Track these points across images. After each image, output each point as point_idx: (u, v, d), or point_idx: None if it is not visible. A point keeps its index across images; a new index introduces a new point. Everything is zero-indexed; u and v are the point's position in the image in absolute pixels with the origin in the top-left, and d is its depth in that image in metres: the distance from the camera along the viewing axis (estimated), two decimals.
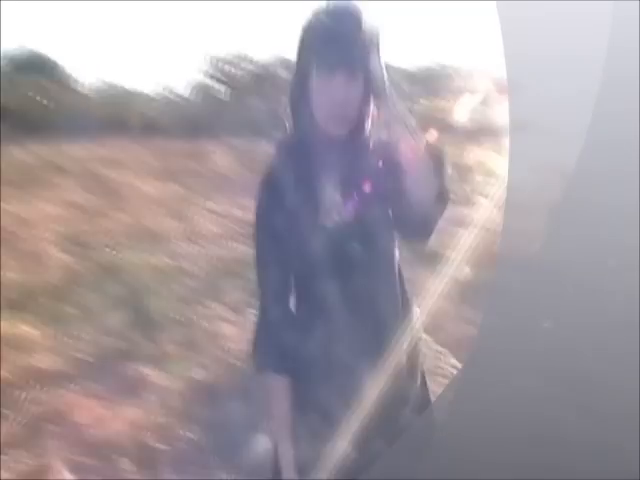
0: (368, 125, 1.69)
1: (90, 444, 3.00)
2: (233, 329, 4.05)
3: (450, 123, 1.63)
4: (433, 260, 1.59)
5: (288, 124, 1.72)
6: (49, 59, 12.42)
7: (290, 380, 1.68)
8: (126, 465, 2.81)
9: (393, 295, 1.71)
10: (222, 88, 7.95)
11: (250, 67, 7.81)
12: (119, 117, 8.19)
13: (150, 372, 3.59)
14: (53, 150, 9.29)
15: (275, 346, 1.69)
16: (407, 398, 1.71)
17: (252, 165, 7.21)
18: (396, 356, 1.64)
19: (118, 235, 5.57)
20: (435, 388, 1.69)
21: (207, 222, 5.34)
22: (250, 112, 6.97)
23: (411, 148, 1.56)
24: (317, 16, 1.67)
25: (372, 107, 1.67)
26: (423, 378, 1.79)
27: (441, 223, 1.58)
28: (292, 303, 1.72)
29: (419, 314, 1.76)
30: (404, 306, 1.74)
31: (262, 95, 7.24)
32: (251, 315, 4.12)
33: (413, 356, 1.75)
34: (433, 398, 1.79)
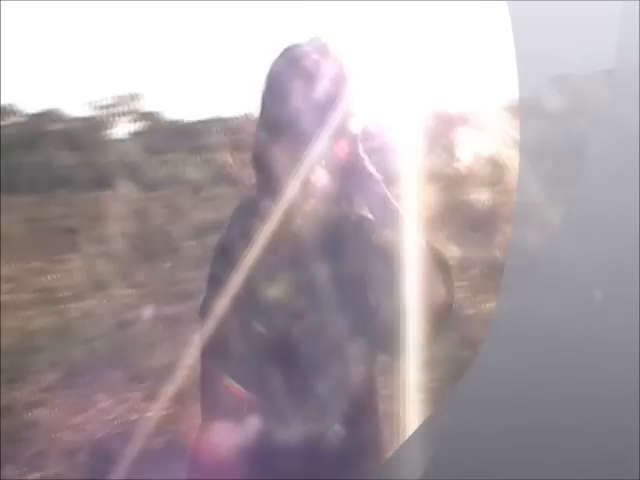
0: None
1: None
2: (50, 413, 3.50)
3: None
4: None
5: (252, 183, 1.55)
6: None
7: None
8: None
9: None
10: None
11: (17, 120, 7.24)
12: None
13: None
14: None
15: None
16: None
17: (34, 224, 6.65)
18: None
19: None
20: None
21: None
22: (22, 168, 6.39)
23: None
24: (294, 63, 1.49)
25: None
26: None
27: None
28: None
29: None
30: None
31: (33, 150, 6.73)
32: (68, 395, 3.69)
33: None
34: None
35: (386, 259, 1.51)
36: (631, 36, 1.71)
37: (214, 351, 1.59)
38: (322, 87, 1.49)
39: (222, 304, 1.57)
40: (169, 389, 2.99)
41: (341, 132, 1.52)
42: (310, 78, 1.50)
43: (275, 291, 1.55)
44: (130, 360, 3.78)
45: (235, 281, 1.54)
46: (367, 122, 1.59)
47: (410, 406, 1.66)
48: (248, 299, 1.54)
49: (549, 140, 1.85)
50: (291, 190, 1.52)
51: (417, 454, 1.75)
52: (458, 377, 1.85)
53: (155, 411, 3.16)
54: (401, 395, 1.61)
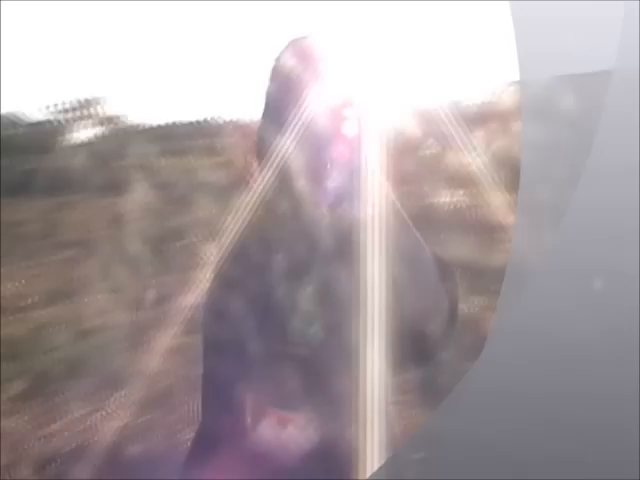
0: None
1: None
2: (21, 423, 3.39)
3: None
4: None
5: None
6: None
7: None
8: None
9: None
10: None
11: None
12: None
13: None
14: None
15: None
16: None
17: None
18: None
19: None
20: None
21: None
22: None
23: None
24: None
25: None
26: None
27: None
28: None
29: None
30: None
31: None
32: (39, 404, 3.59)
33: None
34: None
35: (388, 263, 1.49)
36: (631, 36, 1.73)
37: (214, 354, 1.56)
38: (324, 82, 1.48)
39: (223, 308, 1.54)
40: (144, 396, 2.92)
41: (344, 129, 1.50)
42: (315, 72, 1.49)
43: (278, 295, 1.52)
44: (104, 367, 3.69)
45: (235, 288, 1.52)
46: (368, 120, 1.57)
47: (410, 406, 1.65)
48: (250, 303, 1.52)
49: (549, 140, 1.86)
50: (294, 190, 1.50)
51: (417, 454, 1.74)
52: (458, 378, 1.83)
53: (130, 419, 3.09)
54: (402, 396, 1.60)
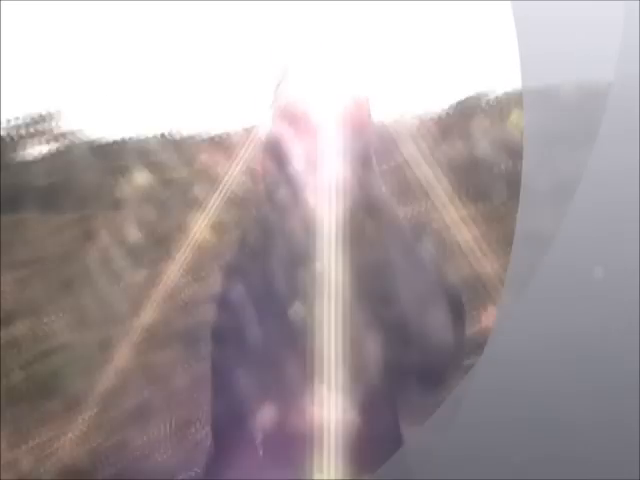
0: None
1: None
2: None
3: None
4: None
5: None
6: None
7: None
8: None
9: None
10: None
11: None
12: None
13: None
14: None
15: None
16: None
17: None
18: None
19: None
20: None
21: None
22: None
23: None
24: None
25: None
26: None
27: None
28: None
29: None
30: None
31: None
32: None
33: None
34: None
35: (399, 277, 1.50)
36: (632, 37, 1.77)
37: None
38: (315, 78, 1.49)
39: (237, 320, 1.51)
40: (111, 416, 2.83)
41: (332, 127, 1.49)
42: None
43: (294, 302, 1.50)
44: (66, 388, 3.56)
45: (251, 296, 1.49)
46: (357, 122, 1.55)
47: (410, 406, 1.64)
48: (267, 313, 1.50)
49: (549, 140, 1.88)
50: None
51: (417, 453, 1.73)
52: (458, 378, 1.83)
53: (98, 441, 2.99)
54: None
